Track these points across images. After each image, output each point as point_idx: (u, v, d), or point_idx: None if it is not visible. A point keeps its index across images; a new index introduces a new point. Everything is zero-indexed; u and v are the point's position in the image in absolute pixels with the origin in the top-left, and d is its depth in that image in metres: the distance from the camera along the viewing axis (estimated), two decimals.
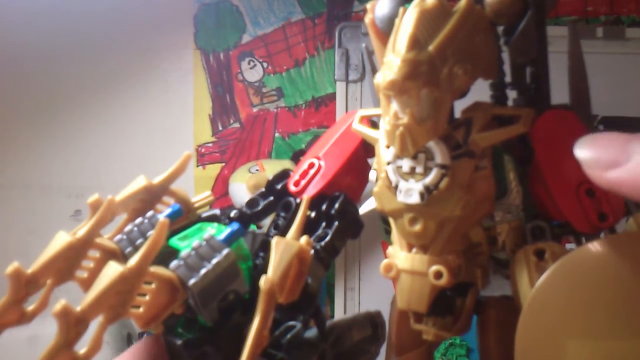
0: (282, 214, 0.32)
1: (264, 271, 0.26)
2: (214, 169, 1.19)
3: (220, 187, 1.17)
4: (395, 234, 0.29)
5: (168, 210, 0.33)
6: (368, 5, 0.29)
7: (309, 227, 0.31)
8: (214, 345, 0.29)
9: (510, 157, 0.28)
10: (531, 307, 0.24)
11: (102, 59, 1.15)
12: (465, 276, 0.28)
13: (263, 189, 0.35)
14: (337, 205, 0.31)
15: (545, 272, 0.24)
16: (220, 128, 1.19)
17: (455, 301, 0.29)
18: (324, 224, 0.32)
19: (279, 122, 1.18)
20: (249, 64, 1.18)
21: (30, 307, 0.28)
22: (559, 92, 0.32)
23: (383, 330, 0.34)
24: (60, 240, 0.29)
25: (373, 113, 0.32)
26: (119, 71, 1.16)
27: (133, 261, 0.26)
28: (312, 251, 0.30)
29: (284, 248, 0.26)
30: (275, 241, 0.27)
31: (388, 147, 0.28)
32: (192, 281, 0.27)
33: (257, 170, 1.06)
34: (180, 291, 0.27)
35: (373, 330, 0.33)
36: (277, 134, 1.18)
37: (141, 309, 0.27)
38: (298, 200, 0.33)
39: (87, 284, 0.29)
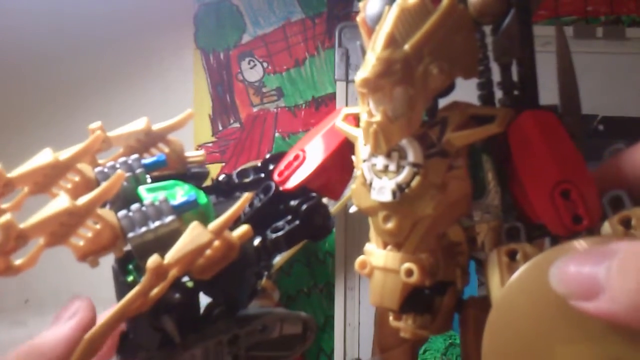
0: (261, 196, 0.34)
1: None
2: (214, 169, 1.19)
3: None
4: (371, 232, 0.29)
5: (152, 159, 0.35)
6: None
7: (277, 215, 0.33)
8: None
9: (489, 157, 0.28)
10: (500, 307, 0.24)
11: (102, 58, 1.16)
12: (444, 275, 0.29)
13: (258, 164, 0.36)
14: (304, 207, 0.32)
15: (515, 273, 0.24)
16: (220, 128, 1.19)
17: (434, 300, 0.29)
18: (289, 217, 0.33)
19: (279, 122, 1.18)
20: (249, 63, 1.18)
21: (6, 205, 0.32)
22: (555, 92, 0.32)
23: (312, 334, 0.35)
24: (44, 156, 0.32)
25: (357, 111, 0.32)
26: (119, 71, 1.16)
27: (82, 200, 0.28)
28: (259, 238, 0.31)
29: (196, 235, 0.27)
30: (193, 225, 0.28)
31: (366, 144, 0.28)
32: (130, 235, 0.29)
33: None
34: (120, 239, 0.30)
35: (303, 331, 0.35)
36: (277, 134, 1.18)
37: (81, 242, 0.29)
38: (280, 188, 0.34)
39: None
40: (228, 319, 0.31)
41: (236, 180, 0.35)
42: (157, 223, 0.29)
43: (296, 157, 0.33)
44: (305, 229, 0.32)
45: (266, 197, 0.33)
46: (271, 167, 0.35)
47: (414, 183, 0.26)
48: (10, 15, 1.14)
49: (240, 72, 1.18)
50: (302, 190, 0.33)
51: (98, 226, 0.29)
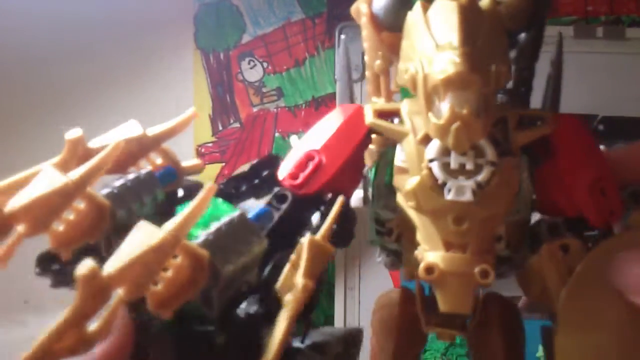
0: (276, 205, 0.31)
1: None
2: (214, 169, 1.19)
3: None
4: (425, 234, 0.27)
5: (161, 172, 0.30)
6: None
7: (297, 224, 0.30)
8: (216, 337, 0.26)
9: (525, 157, 0.28)
10: (570, 300, 0.25)
11: (102, 58, 1.15)
12: None
13: (245, 169, 0.33)
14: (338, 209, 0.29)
15: (581, 264, 0.25)
16: (220, 128, 1.19)
17: None
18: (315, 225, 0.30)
19: (279, 122, 1.18)
20: (249, 63, 1.18)
21: None
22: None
23: (356, 350, 0.33)
24: (51, 180, 0.24)
25: (389, 107, 0.30)
26: (119, 71, 1.16)
27: (172, 226, 0.22)
28: None
29: (318, 252, 0.25)
30: (309, 242, 0.25)
31: (421, 142, 0.27)
32: (227, 267, 0.24)
33: None
34: (205, 272, 0.23)
35: (344, 348, 0.32)
36: (277, 134, 1.18)
37: (159, 286, 0.22)
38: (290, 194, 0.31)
39: (58, 239, 0.24)
40: (305, 351, 0.29)
41: (224, 191, 0.32)
42: (247, 247, 0.25)
43: (309, 157, 0.31)
44: (342, 233, 0.30)
45: (286, 205, 0.30)
46: (265, 172, 0.33)
47: (493, 182, 0.25)
48: (10, 15, 1.14)
49: (240, 72, 1.18)
50: (317, 195, 0.31)
51: (178, 260, 0.23)
